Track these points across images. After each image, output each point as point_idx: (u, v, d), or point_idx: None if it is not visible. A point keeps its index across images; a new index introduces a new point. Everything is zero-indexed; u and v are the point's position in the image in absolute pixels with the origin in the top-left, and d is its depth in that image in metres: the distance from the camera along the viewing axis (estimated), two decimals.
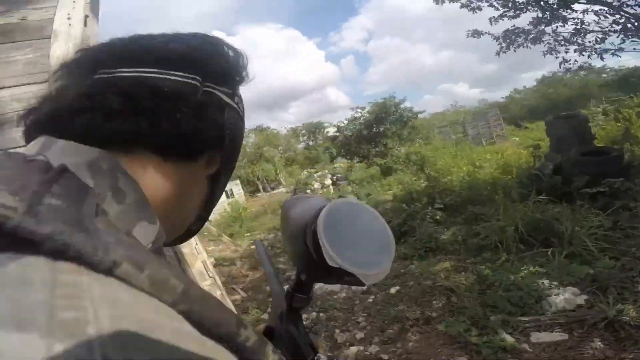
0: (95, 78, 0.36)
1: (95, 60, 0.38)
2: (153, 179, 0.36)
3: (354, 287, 4.27)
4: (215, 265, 7.41)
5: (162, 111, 0.36)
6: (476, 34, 8.23)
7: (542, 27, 7.71)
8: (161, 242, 0.36)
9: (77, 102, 0.34)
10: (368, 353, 3.01)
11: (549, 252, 3.74)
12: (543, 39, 7.94)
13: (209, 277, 3.30)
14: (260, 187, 26.70)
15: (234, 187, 21.76)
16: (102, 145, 0.33)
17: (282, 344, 0.49)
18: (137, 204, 0.33)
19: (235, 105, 0.43)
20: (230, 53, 0.44)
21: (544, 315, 2.87)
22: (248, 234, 11.01)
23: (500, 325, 2.81)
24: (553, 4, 7.31)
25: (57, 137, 0.32)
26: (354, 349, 3.10)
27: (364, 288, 4.24)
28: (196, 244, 3.32)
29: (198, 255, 3.27)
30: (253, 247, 8.63)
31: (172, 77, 0.37)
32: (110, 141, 0.34)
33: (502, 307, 3.03)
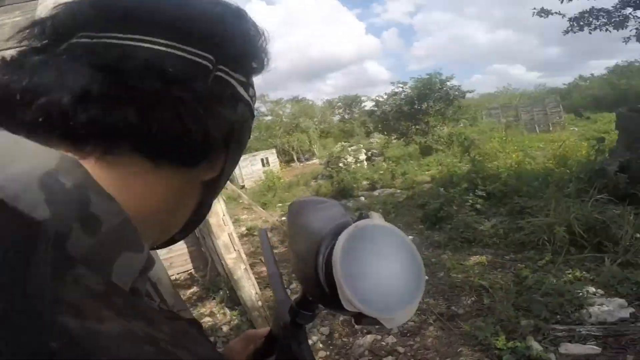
0: (72, 42, 0.27)
1: (75, 19, 0.29)
2: (138, 190, 0.28)
3: None
4: (246, 235, 7.58)
5: (160, 99, 0.27)
6: (543, 12, 7.36)
7: (631, 11, 6.69)
8: (150, 269, 0.29)
9: (38, 76, 0.25)
10: (384, 343, 2.92)
11: (603, 258, 3.38)
12: (626, 25, 6.92)
13: (234, 250, 3.32)
14: (295, 157, 26.94)
15: (270, 155, 22.11)
16: (70, 143, 0.25)
17: (283, 356, 0.46)
18: (118, 232, 0.24)
19: (249, 99, 0.35)
20: (259, 32, 0.36)
21: (581, 325, 2.64)
22: (280, 204, 11.15)
23: (530, 332, 2.59)
24: None
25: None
26: (370, 337, 3.01)
27: None
28: (223, 214, 3.32)
29: (225, 227, 3.29)
30: (285, 218, 8.74)
31: (178, 53, 0.28)
32: (82, 137, 0.25)
33: (537, 312, 2.78)
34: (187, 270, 5.01)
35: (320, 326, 3.39)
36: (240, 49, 0.33)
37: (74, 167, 0.23)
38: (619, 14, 6.90)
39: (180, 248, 5.02)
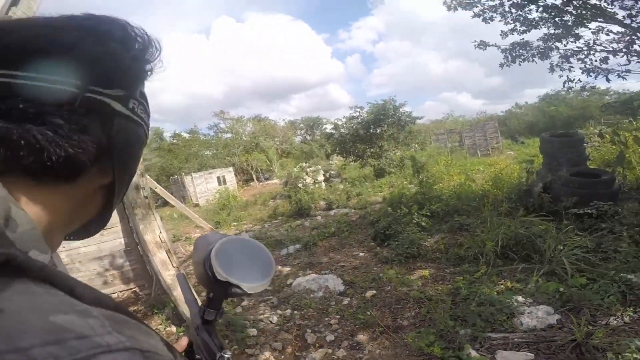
0: None
1: None
2: (38, 204, 0.33)
3: (330, 288, 4.24)
4: None
5: (29, 129, 0.30)
6: (482, 44, 8.19)
7: (552, 42, 7.68)
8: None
9: None
10: (335, 357, 2.97)
11: (532, 268, 3.72)
12: (550, 55, 7.92)
13: (173, 266, 3.24)
14: (254, 176, 26.60)
15: (227, 173, 21.61)
16: None
17: (199, 351, 0.58)
18: (28, 234, 0.30)
19: (128, 112, 0.37)
20: (132, 44, 0.37)
21: (513, 332, 2.85)
22: (235, 223, 10.92)
23: (468, 340, 2.76)
24: (568, 21, 7.28)
25: None
26: (321, 351, 3.05)
27: (341, 289, 4.22)
28: (160, 232, 3.25)
29: (162, 244, 3.21)
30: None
31: (40, 84, 0.31)
32: None
33: (472, 321, 2.98)
34: (131, 289, 4.75)
35: (273, 341, 3.37)
36: (110, 67, 0.35)
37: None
38: (544, 45, 7.86)
39: (121, 266, 4.76)
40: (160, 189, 6.49)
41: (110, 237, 4.81)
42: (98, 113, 0.34)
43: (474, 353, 2.62)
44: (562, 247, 3.84)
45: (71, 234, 0.42)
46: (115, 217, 4.54)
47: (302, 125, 35.73)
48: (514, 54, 8.18)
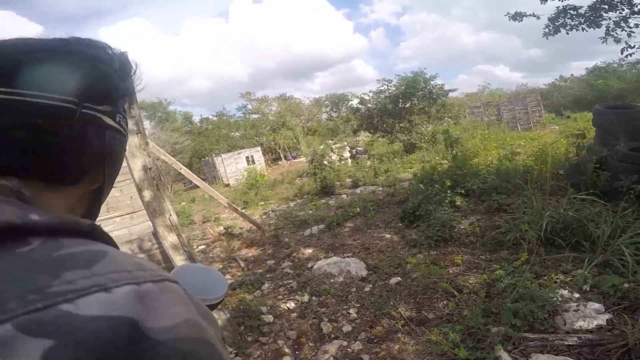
0: None
1: None
2: (49, 202, 0.37)
3: (352, 273, 3.99)
4: (223, 234, 7.33)
5: (38, 142, 0.36)
6: (518, 16, 7.29)
7: (604, 7, 6.66)
8: None
9: None
10: (350, 350, 2.74)
11: (582, 258, 3.24)
12: (602, 23, 6.89)
13: (184, 251, 3.09)
14: (282, 155, 26.62)
15: (255, 153, 21.72)
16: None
17: None
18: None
19: (116, 125, 0.43)
20: (115, 64, 0.43)
21: (554, 333, 2.46)
22: (262, 202, 10.88)
23: (500, 340, 2.41)
24: None
25: None
26: (336, 343, 2.83)
27: (363, 274, 3.96)
28: (170, 214, 3.09)
29: (173, 228, 3.06)
30: (265, 217, 8.49)
31: (46, 102, 0.36)
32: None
33: (507, 319, 2.59)
34: None
35: (289, 329, 3.20)
36: (101, 86, 0.41)
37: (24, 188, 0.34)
38: (592, 13, 6.87)
39: (149, 249, 4.77)
40: (184, 170, 6.45)
41: (140, 220, 4.81)
42: (93, 126, 0.40)
43: (505, 356, 2.27)
44: (619, 234, 3.31)
45: None
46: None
47: (327, 102, 35.01)
48: (557, 23, 7.20)
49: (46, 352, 0.21)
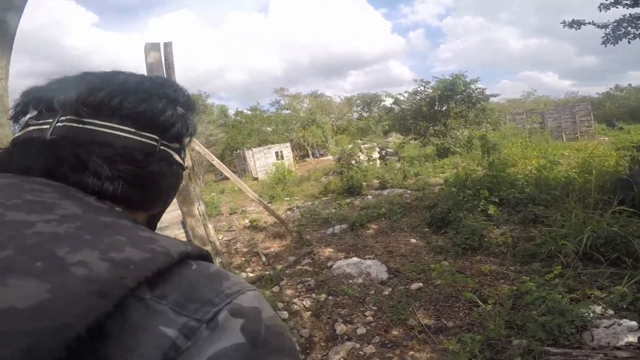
0: (62, 127, 0.41)
1: (64, 101, 0.41)
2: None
3: (372, 275, 3.87)
4: (248, 227, 7.42)
5: (137, 174, 0.43)
6: (575, 24, 6.82)
7: None
8: None
9: (49, 153, 0.40)
10: (362, 353, 2.64)
11: (622, 274, 2.96)
12: None
13: (210, 242, 3.11)
14: (310, 152, 26.68)
15: (284, 149, 21.92)
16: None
17: None
18: None
19: (181, 161, 0.50)
20: (187, 106, 0.49)
21: (579, 348, 2.27)
22: (288, 198, 10.93)
23: (520, 353, 2.25)
24: None
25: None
26: (349, 344, 2.74)
27: (383, 277, 3.83)
28: (199, 204, 3.12)
29: (200, 218, 3.08)
30: (289, 213, 8.50)
31: (139, 138, 0.43)
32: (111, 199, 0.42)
33: (531, 331, 2.41)
34: None
35: (302, 327, 3.15)
36: (175, 128, 0.46)
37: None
38: None
39: (177, 237, 4.87)
40: (216, 162, 6.57)
41: (171, 208, 4.91)
42: (166, 162, 0.47)
43: None
44: None
45: None
46: None
47: (358, 101, 34.60)
48: (618, 32, 6.65)
49: (242, 325, 0.32)
